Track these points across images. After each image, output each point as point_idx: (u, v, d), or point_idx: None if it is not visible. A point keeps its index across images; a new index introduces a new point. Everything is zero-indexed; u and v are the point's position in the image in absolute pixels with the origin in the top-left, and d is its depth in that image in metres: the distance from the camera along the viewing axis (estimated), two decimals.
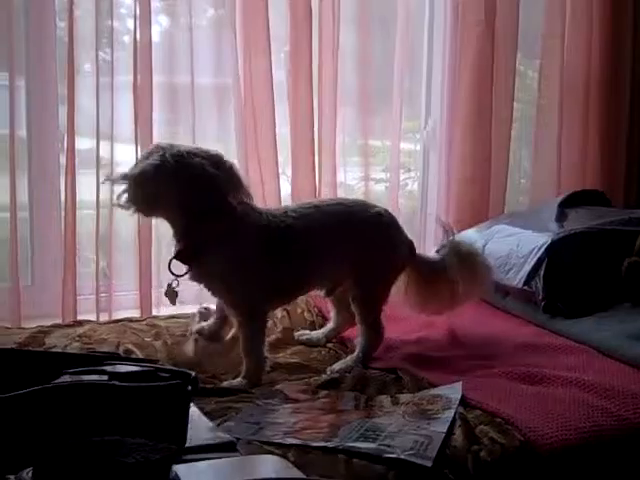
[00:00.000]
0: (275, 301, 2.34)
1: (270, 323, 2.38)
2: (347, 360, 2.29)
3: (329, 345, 2.47)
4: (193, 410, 1.71)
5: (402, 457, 1.68)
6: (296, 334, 2.50)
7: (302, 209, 2.30)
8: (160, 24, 2.99)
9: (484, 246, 2.82)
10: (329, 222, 2.29)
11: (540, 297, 2.60)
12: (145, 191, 2.09)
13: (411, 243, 2.45)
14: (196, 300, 2.67)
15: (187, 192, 2.09)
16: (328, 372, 2.24)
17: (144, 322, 2.59)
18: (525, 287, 2.63)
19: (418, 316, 2.56)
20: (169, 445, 1.26)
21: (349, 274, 2.35)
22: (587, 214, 2.92)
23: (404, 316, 2.58)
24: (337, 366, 2.27)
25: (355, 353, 2.32)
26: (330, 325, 2.51)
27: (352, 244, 2.30)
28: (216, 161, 2.14)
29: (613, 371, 2.18)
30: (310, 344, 2.45)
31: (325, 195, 2.96)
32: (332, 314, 2.51)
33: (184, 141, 2.59)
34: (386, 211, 2.43)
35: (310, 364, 2.31)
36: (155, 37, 2.83)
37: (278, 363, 2.28)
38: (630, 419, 1.92)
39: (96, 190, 2.71)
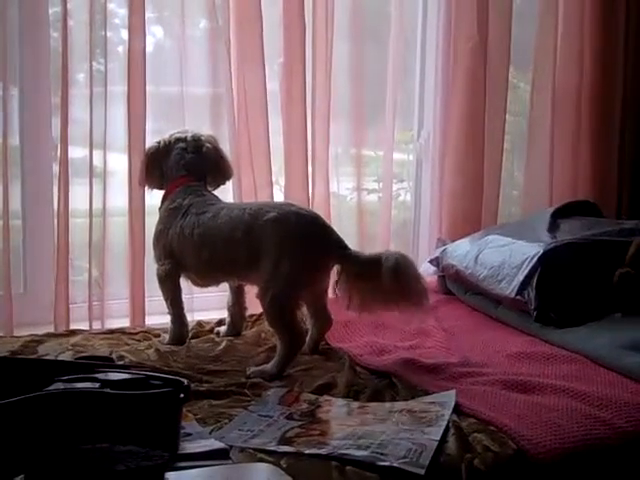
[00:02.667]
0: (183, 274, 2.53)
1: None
2: (266, 366, 2.28)
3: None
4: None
5: (395, 465, 1.67)
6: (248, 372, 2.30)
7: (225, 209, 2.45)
8: (154, 35, 3.00)
9: (477, 256, 2.83)
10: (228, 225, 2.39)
11: (532, 307, 2.60)
12: (142, 169, 2.62)
13: (336, 243, 2.37)
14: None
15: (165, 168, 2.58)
16: (248, 372, 2.26)
17: (138, 334, 2.60)
18: (518, 297, 2.64)
19: (411, 324, 2.56)
20: (161, 453, 1.26)
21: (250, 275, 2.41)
22: (579, 225, 2.94)
23: (398, 324, 2.60)
24: (253, 369, 2.27)
25: (274, 359, 2.30)
26: (308, 336, 2.48)
27: (246, 247, 2.35)
28: (198, 146, 2.57)
29: (605, 380, 2.18)
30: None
31: (317, 205, 2.96)
32: (308, 324, 2.50)
33: None
34: (286, 214, 2.34)
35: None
36: (149, 47, 2.83)
37: None
38: (623, 427, 1.92)
39: (89, 199, 2.72)
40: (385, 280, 2.26)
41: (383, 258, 2.29)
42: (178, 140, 2.59)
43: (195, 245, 2.43)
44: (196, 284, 2.58)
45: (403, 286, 2.28)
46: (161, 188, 2.62)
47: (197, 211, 2.45)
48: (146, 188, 2.67)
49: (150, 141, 2.71)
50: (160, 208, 2.57)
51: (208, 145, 2.59)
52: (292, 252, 2.30)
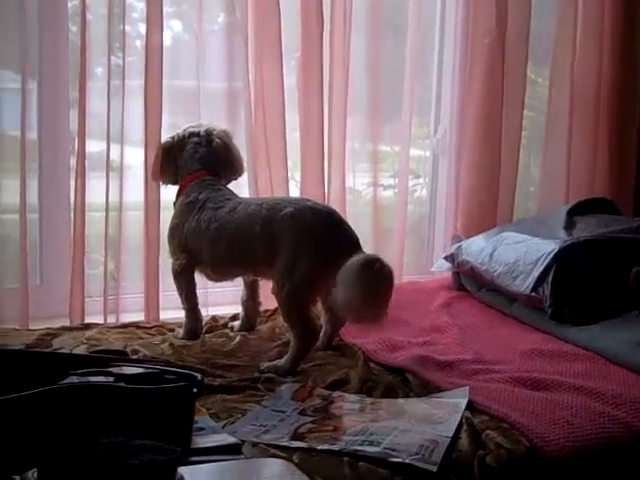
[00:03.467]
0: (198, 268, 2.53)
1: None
2: (279, 361, 2.28)
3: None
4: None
5: (407, 461, 1.68)
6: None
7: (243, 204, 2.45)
8: (172, 29, 3.00)
9: (492, 253, 2.83)
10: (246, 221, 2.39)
11: (548, 304, 2.59)
12: (156, 163, 2.64)
13: (351, 239, 2.35)
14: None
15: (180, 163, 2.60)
16: (261, 367, 2.26)
17: (152, 329, 2.61)
18: (533, 294, 2.63)
19: (425, 320, 2.56)
20: (174, 447, 1.27)
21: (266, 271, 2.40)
22: (595, 222, 2.92)
23: (412, 320, 2.60)
24: (267, 364, 2.27)
25: (288, 354, 2.30)
26: (322, 332, 2.47)
27: (263, 242, 2.34)
28: (210, 140, 2.59)
29: (620, 378, 2.17)
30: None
31: (333, 201, 2.96)
32: (322, 320, 2.49)
33: None
34: (303, 210, 2.34)
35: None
36: (167, 41, 2.84)
37: None
38: (637, 426, 1.92)
39: (105, 193, 2.72)
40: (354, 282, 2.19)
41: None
42: (192, 134, 2.61)
43: (212, 239, 2.43)
44: (211, 279, 2.59)
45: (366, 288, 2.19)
46: (175, 183, 2.63)
47: (214, 205, 2.46)
48: (160, 183, 2.69)
49: (166, 135, 2.72)
50: (175, 202, 2.58)
51: (218, 140, 2.60)
52: (308, 248, 2.30)
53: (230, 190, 2.58)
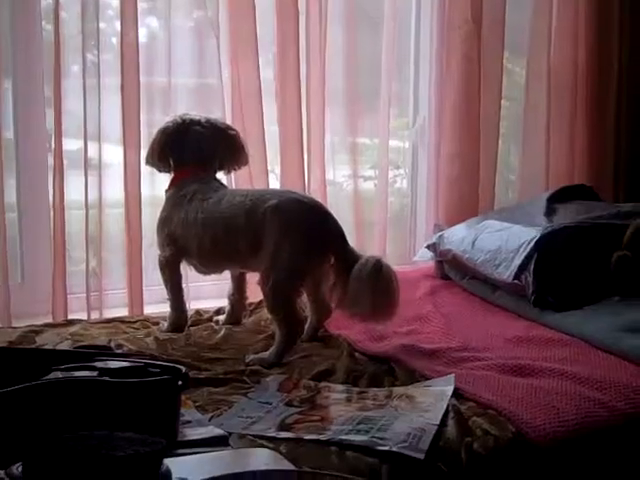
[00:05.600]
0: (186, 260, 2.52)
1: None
2: (264, 353, 2.28)
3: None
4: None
5: (395, 449, 1.67)
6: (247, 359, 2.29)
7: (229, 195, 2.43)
8: (148, 26, 2.99)
9: (474, 241, 2.83)
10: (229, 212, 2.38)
11: (530, 291, 2.60)
12: (151, 148, 2.56)
13: (336, 232, 2.35)
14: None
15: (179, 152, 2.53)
16: (247, 360, 2.25)
17: (137, 323, 2.60)
18: (515, 281, 2.63)
19: (410, 309, 2.56)
20: (160, 439, 1.26)
21: (253, 263, 2.39)
22: (576, 208, 2.93)
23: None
24: (252, 357, 2.26)
25: (273, 347, 2.29)
26: (307, 323, 2.47)
27: (248, 233, 2.34)
28: (214, 131, 2.53)
29: (603, 363, 2.18)
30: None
31: (314, 193, 2.95)
32: (308, 312, 2.48)
33: None
34: (287, 202, 2.34)
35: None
36: (143, 39, 2.83)
37: None
38: (622, 409, 1.93)
39: (84, 190, 2.71)
40: (362, 282, 2.24)
41: (364, 260, 2.27)
42: (193, 123, 2.54)
43: (198, 231, 2.42)
44: (200, 271, 2.57)
45: (377, 292, 2.25)
46: (169, 171, 2.58)
47: (202, 197, 2.43)
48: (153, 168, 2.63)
49: (145, 133, 2.71)
50: (167, 192, 2.54)
51: (231, 132, 2.58)
52: (293, 240, 2.29)
53: (220, 182, 2.56)
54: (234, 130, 2.61)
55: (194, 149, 2.52)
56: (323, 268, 2.37)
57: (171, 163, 2.56)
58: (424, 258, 3.10)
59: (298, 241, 2.29)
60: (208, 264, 2.52)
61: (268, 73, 2.97)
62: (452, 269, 3.00)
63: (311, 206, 2.39)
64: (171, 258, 2.50)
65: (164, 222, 2.50)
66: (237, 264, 2.52)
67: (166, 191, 2.55)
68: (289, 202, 2.34)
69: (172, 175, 2.56)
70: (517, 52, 3.50)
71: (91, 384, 1.56)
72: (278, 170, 3.01)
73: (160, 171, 2.61)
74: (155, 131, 2.59)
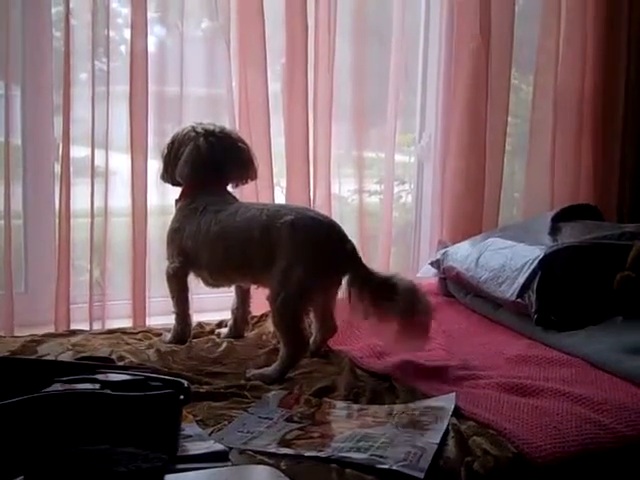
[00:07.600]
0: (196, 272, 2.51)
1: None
2: (267, 369, 2.27)
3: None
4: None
5: (394, 468, 1.67)
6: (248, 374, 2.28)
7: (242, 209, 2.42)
8: (157, 34, 2.99)
9: (478, 259, 2.83)
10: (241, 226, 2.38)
11: (533, 310, 2.60)
12: (164, 161, 2.57)
13: (351, 252, 2.35)
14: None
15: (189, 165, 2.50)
16: (248, 375, 2.24)
17: (139, 334, 2.60)
18: (518, 300, 2.64)
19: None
20: (161, 454, 1.26)
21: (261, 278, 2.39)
22: (580, 228, 2.93)
23: None
24: (254, 372, 2.26)
25: (276, 363, 2.29)
26: (312, 340, 2.46)
27: (261, 248, 2.33)
28: (225, 143, 2.52)
29: (605, 384, 2.18)
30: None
31: (319, 207, 2.95)
32: (313, 329, 2.48)
33: None
34: (303, 219, 2.33)
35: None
36: (152, 47, 2.83)
37: None
38: (623, 432, 1.92)
39: (90, 199, 2.71)
40: (401, 308, 2.25)
41: (396, 282, 2.28)
42: (207, 133, 2.52)
43: (211, 242, 2.40)
44: (208, 284, 2.54)
45: (414, 314, 2.27)
46: (180, 185, 2.56)
47: (215, 209, 2.43)
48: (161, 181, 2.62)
49: (152, 141, 2.71)
50: (177, 202, 2.54)
51: (242, 145, 2.57)
52: (306, 257, 2.28)
53: (233, 195, 2.54)
54: (245, 144, 2.60)
55: (204, 160, 2.50)
56: (334, 287, 2.37)
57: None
58: (427, 275, 3.10)
59: (311, 259, 2.28)
60: (219, 277, 2.50)
61: (276, 86, 2.97)
62: (455, 286, 3.00)
63: (327, 225, 2.38)
64: (180, 270, 2.49)
65: (175, 233, 2.49)
66: (248, 278, 2.50)
67: (176, 201, 2.55)
68: (305, 219, 2.33)
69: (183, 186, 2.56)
70: (524, 69, 3.51)
71: (93, 397, 1.56)
72: (283, 183, 3.02)
73: (172, 184, 2.59)
74: (166, 140, 2.59)
